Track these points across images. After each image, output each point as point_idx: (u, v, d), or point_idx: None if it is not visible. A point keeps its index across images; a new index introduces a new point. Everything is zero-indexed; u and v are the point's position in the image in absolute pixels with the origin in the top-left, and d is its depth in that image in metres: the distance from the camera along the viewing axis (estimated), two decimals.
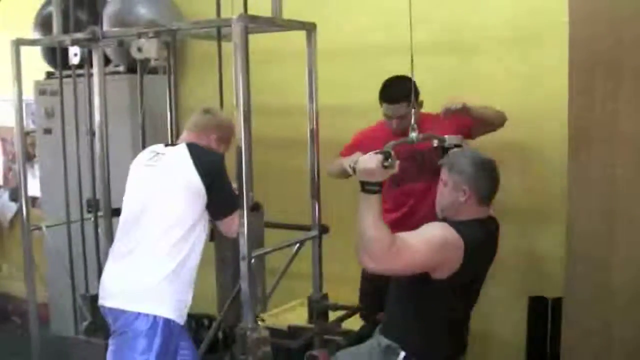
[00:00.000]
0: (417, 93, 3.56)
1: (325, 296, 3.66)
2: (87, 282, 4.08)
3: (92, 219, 4.06)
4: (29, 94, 5.53)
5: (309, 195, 3.61)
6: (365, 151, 3.64)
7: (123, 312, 3.16)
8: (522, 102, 3.98)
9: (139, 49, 3.46)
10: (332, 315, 3.67)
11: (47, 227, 4.31)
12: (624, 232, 3.08)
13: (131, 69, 4.70)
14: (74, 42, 3.85)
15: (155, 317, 3.12)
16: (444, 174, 3.09)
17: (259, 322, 3.30)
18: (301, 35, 3.50)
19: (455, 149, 3.25)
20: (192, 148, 3.23)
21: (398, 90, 3.72)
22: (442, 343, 3.05)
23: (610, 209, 3.11)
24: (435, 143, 3.30)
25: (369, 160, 2.76)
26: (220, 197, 3.21)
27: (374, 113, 3.97)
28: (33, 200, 5.05)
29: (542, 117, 3.89)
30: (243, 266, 3.10)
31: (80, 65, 3.96)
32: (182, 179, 3.17)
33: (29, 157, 5.52)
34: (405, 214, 3.78)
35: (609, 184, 3.10)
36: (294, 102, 3.75)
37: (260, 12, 3.32)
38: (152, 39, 3.43)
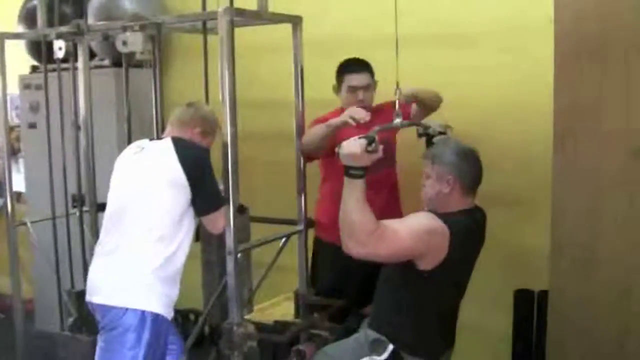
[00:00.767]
0: (372, 73, 3.75)
1: (311, 290, 3.66)
2: (72, 277, 4.06)
3: (78, 214, 4.04)
4: (13, 88, 5.52)
5: (295, 189, 3.60)
6: None
7: (111, 307, 3.14)
8: (507, 95, 3.98)
9: (124, 43, 3.45)
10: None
11: (32, 222, 4.29)
12: (609, 227, 3.09)
13: (116, 62, 4.68)
14: (59, 36, 3.84)
15: (143, 312, 3.11)
16: (427, 167, 3.09)
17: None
18: (287, 28, 3.49)
19: (440, 137, 3.27)
20: (177, 142, 3.21)
21: (361, 61, 3.79)
22: (431, 335, 3.05)
23: (595, 203, 3.12)
24: (420, 131, 3.30)
25: (353, 145, 2.76)
26: (204, 193, 3.19)
27: None
28: (18, 196, 5.01)
29: (527, 110, 3.89)
30: (229, 261, 3.10)
31: (65, 59, 3.93)
32: (165, 173, 3.15)
33: (13, 152, 5.50)
34: None
35: (594, 178, 3.11)
36: (280, 95, 3.75)
37: (246, 6, 3.30)
38: (137, 32, 3.43)
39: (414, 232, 2.85)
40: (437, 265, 2.89)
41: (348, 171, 2.78)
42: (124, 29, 3.46)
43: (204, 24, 3.55)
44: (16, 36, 4.43)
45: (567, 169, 3.16)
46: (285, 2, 3.51)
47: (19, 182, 5.29)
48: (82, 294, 3.81)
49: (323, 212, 3.84)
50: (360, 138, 2.77)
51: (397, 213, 3.64)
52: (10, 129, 5.32)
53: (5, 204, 4.18)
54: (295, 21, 3.48)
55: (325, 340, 3.36)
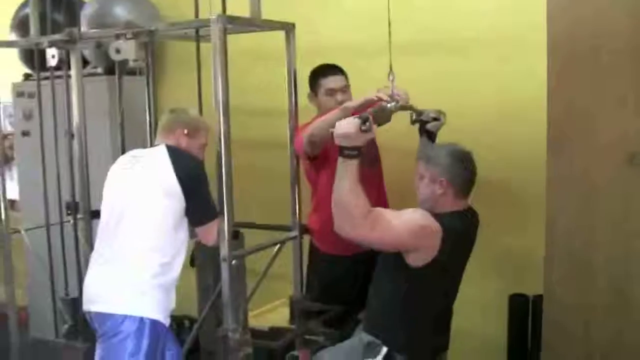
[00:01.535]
0: (346, 76, 3.75)
1: (306, 296, 3.67)
2: (67, 285, 4.06)
3: (72, 221, 4.03)
4: (6, 96, 5.52)
5: (290, 195, 3.61)
6: None
7: (110, 315, 3.13)
8: (501, 102, 3.99)
9: (117, 51, 3.44)
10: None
11: (26, 230, 4.28)
12: (604, 232, 3.10)
13: (109, 70, 4.67)
14: (52, 44, 3.83)
15: (142, 318, 3.11)
16: (421, 167, 3.10)
17: None
18: (280, 35, 3.50)
19: (434, 123, 3.33)
20: (172, 151, 3.20)
21: (333, 65, 3.79)
22: (424, 337, 3.06)
23: (589, 208, 3.13)
24: (414, 117, 3.30)
25: (348, 125, 2.77)
26: (198, 203, 3.19)
27: None
28: (12, 203, 5.01)
29: (521, 116, 3.90)
30: (224, 268, 3.10)
31: (58, 67, 3.93)
32: (160, 182, 3.14)
33: (7, 160, 5.49)
34: None
35: (588, 184, 3.12)
36: (274, 102, 3.75)
37: (239, 13, 3.31)
38: (130, 40, 3.42)
39: (407, 224, 2.87)
40: (428, 263, 2.89)
41: (342, 151, 2.79)
42: (117, 36, 3.45)
43: (197, 31, 3.56)
44: (9, 44, 4.43)
45: (561, 174, 3.17)
46: (278, 9, 3.52)
47: (12, 190, 5.29)
48: (76, 301, 3.82)
49: (320, 223, 3.83)
50: (354, 118, 2.79)
51: None
52: (4, 136, 5.32)
53: None
54: (288, 28, 3.49)
55: (320, 346, 3.36)
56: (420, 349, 3.05)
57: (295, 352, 3.28)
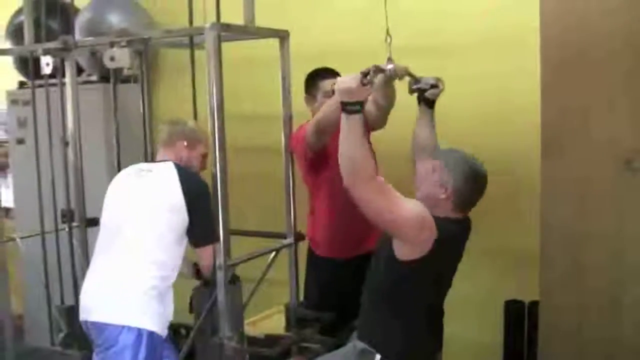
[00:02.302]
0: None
1: (302, 304, 3.67)
2: (62, 293, 4.04)
3: (67, 229, 4.03)
4: (1, 104, 5.51)
5: (284, 202, 3.61)
6: None
7: (107, 325, 3.13)
8: (495, 105, 4.00)
9: (112, 58, 3.45)
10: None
11: (21, 238, 4.27)
12: (598, 235, 3.11)
13: (104, 78, 4.67)
14: (46, 52, 3.83)
15: (139, 329, 3.11)
16: (436, 162, 3.06)
17: None
18: (275, 42, 3.50)
19: (432, 90, 3.31)
20: (181, 170, 3.23)
21: (329, 68, 3.77)
22: (417, 342, 3.05)
23: (584, 211, 3.13)
24: (412, 86, 3.30)
25: (348, 79, 2.76)
26: (200, 224, 3.20)
27: None
28: (7, 211, 5.00)
29: (515, 119, 3.91)
30: (219, 276, 3.10)
31: (52, 75, 3.93)
32: (166, 199, 3.17)
33: (1, 168, 5.48)
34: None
35: (583, 186, 3.13)
36: (268, 109, 3.76)
37: (233, 20, 3.31)
38: (124, 48, 3.42)
39: (409, 208, 2.85)
40: (417, 259, 2.87)
41: (345, 107, 2.77)
42: (112, 44, 3.46)
43: (191, 39, 3.56)
44: (3, 52, 4.42)
45: (555, 177, 3.18)
46: (272, 16, 3.53)
47: (7, 198, 5.28)
48: (72, 309, 3.82)
49: (318, 227, 3.83)
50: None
51: None
52: None
53: None
54: (282, 35, 3.50)
55: (316, 354, 3.36)
56: (413, 354, 3.05)
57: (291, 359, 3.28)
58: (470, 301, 3.43)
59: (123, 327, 3.10)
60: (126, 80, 3.89)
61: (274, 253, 3.63)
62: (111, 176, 3.51)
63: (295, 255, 3.65)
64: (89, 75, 5.08)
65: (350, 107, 2.76)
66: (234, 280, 3.27)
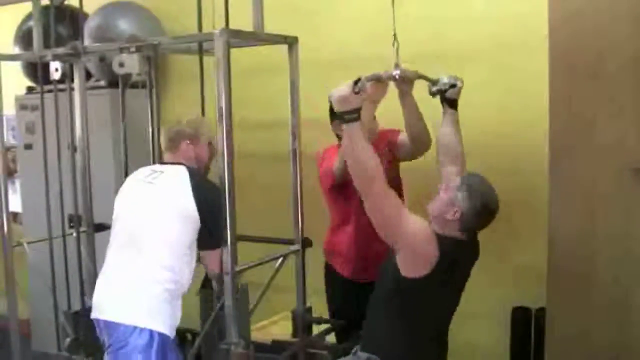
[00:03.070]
0: None
1: (309, 310, 3.66)
2: (69, 298, 4.05)
3: (75, 234, 4.03)
4: (9, 109, 5.52)
5: (292, 208, 3.61)
6: None
7: (119, 325, 3.15)
8: (503, 112, 4.00)
9: (121, 64, 3.45)
10: (316, 329, 3.66)
11: (29, 243, 4.28)
12: (607, 243, 3.11)
13: (113, 83, 4.68)
14: (55, 57, 3.83)
15: (151, 331, 3.13)
16: (453, 185, 3.09)
17: None
18: (283, 48, 3.51)
19: (452, 90, 3.35)
20: (194, 176, 3.25)
21: None
22: (422, 354, 3.06)
23: (592, 219, 3.13)
24: (432, 89, 3.35)
25: (341, 89, 2.86)
26: (210, 229, 3.21)
27: None
28: (14, 216, 5.01)
29: (523, 127, 3.91)
30: (226, 282, 3.10)
31: (61, 80, 3.94)
32: (178, 204, 3.19)
33: (10, 173, 5.49)
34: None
35: (591, 194, 3.12)
36: (277, 115, 3.75)
37: (242, 26, 3.32)
38: (133, 53, 3.43)
39: (414, 220, 2.95)
40: (422, 277, 2.91)
41: (343, 117, 2.87)
42: (121, 50, 3.46)
43: (200, 45, 3.57)
44: (12, 58, 4.44)
45: (563, 185, 3.18)
46: (281, 22, 3.53)
47: (15, 203, 5.29)
48: (78, 314, 3.82)
49: (341, 244, 3.89)
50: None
51: None
52: (6, 149, 5.33)
53: (1, 225, 4.16)
54: (291, 41, 3.49)
55: None
56: None
57: None
58: (477, 308, 3.42)
59: (135, 327, 3.12)
60: (134, 86, 3.89)
61: (281, 259, 3.63)
62: (119, 182, 3.52)
63: (303, 261, 3.64)
64: (98, 80, 5.10)
65: (348, 115, 2.85)
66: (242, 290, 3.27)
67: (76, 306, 3.92)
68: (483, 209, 3.04)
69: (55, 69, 3.87)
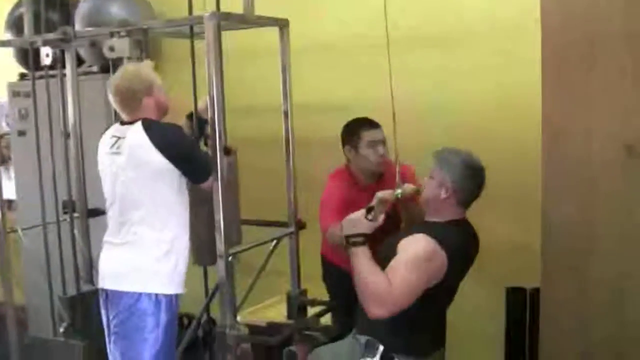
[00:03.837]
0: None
1: (303, 292, 3.67)
2: (64, 283, 4.05)
3: (68, 220, 4.03)
4: (2, 96, 5.51)
5: (285, 191, 3.61)
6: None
7: (125, 293, 3.23)
8: (497, 94, 4.00)
9: (111, 48, 3.45)
10: (311, 311, 3.67)
11: (23, 229, 4.28)
12: (600, 224, 3.10)
13: (105, 68, 4.66)
14: (46, 43, 3.82)
15: (157, 295, 3.21)
16: (433, 169, 3.11)
17: (238, 319, 3.33)
18: (274, 32, 3.50)
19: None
20: (148, 127, 3.22)
21: (371, 120, 3.78)
22: (422, 339, 3.07)
23: (586, 200, 3.13)
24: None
25: (352, 214, 2.85)
26: (192, 167, 3.25)
27: (349, 109, 3.99)
28: (9, 203, 5.00)
29: (518, 109, 3.91)
30: (220, 264, 3.11)
31: (52, 66, 3.92)
32: (148, 162, 3.19)
33: (3, 160, 5.48)
34: None
35: (584, 174, 3.12)
36: (269, 99, 3.75)
37: (233, 9, 3.31)
38: (124, 38, 3.42)
39: (415, 265, 2.86)
40: (435, 285, 2.91)
41: (350, 240, 2.83)
42: (111, 34, 3.46)
43: (191, 28, 3.55)
44: (3, 44, 4.41)
45: (557, 165, 3.17)
46: (272, 6, 3.52)
47: (9, 190, 5.28)
48: (74, 299, 3.83)
49: None
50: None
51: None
52: (0, 136, 5.32)
53: None
54: (282, 24, 3.49)
55: (317, 342, 3.36)
56: (418, 349, 3.07)
57: (293, 347, 3.28)
58: (471, 289, 3.42)
59: (140, 293, 3.21)
60: None
61: (275, 241, 3.64)
62: None
63: (297, 243, 3.64)
64: (90, 66, 5.08)
65: (355, 239, 2.82)
66: (228, 152, 3.27)
67: (71, 291, 3.93)
68: (469, 169, 3.08)
69: (46, 55, 3.86)
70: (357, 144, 3.80)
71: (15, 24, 5.00)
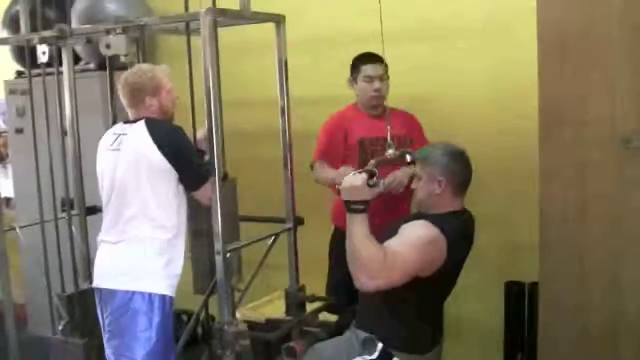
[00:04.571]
0: (387, 67, 3.81)
1: (302, 288, 3.67)
2: (63, 281, 4.04)
3: (67, 218, 4.03)
4: (0, 94, 5.51)
5: (284, 187, 3.61)
6: (342, 136, 3.69)
7: (118, 291, 3.25)
8: (493, 89, 4.00)
9: (108, 46, 3.45)
10: (310, 307, 3.67)
11: (21, 227, 4.28)
12: (598, 217, 3.10)
13: (102, 66, 4.66)
14: (43, 41, 3.81)
15: (150, 294, 3.22)
16: (418, 167, 3.10)
17: (237, 315, 3.33)
18: (270, 27, 3.50)
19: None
20: (151, 125, 3.25)
21: (375, 54, 3.81)
22: (421, 333, 3.07)
23: (583, 194, 3.12)
24: (409, 159, 3.28)
25: (354, 180, 2.75)
26: (189, 171, 3.27)
27: (346, 102, 3.99)
28: (7, 201, 5.00)
29: (514, 102, 3.91)
30: (218, 260, 3.11)
31: (49, 64, 3.92)
32: (147, 161, 3.21)
33: (1, 158, 5.48)
34: None
35: (581, 168, 3.12)
36: (266, 94, 3.74)
37: (229, 6, 3.30)
38: (120, 35, 3.42)
39: (416, 247, 2.84)
40: (434, 272, 2.90)
41: (350, 207, 2.75)
42: (107, 32, 3.46)
43: (187, 25, 3.55)
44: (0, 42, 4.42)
45: (554, 157, 3.16)
46: (269, 2, 3.51)
47: (8, 188, 5.29)
48: (73, 297, 3.83)
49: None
50: (361, 172, 2.77)
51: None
52: None
53: None
54: (278, 20, 3.48)
55: (316, 338, 3.36)
56: (416, 345, 3.06)
57: (292, 344, 3.28)
58: (471, 283, 3.42)
59: (134, 292, 3.22)
60: (123, 68, 3.87)
61: (273, 237, 3.64)
62: None
63: (295, 239, 3.64)
64: (87, 63, 5.07)
65: (356, 206, 2.74)
66: (226, 178, 3.29)
67: (70, 289, 3.92)
68: (452, 155, 3.08)
69: (43, 53, 3.85)
70: (357, 77, 3.97)
71: (12, 22, 4.99)
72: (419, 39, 4.20)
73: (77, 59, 4.57)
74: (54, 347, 3.92)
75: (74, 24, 4.57)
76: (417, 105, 4.06)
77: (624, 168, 3.03)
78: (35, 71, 4.03)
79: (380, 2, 3.01)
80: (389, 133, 3.04)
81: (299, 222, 3.67)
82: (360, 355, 3.00)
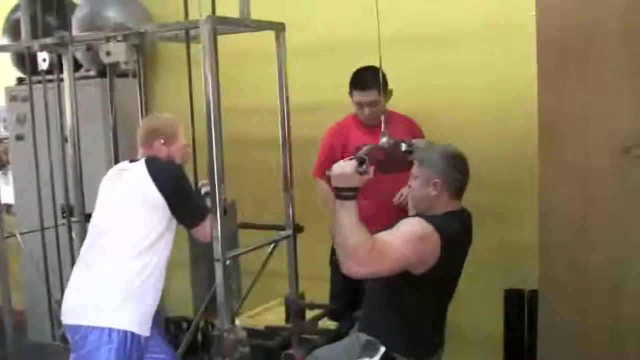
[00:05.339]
0: (385, 82, 3.70)
1: (301, 295, 3.67)
2: (62, 287, 4.05)
3: (66, 224, 4.03)
4: (0, 101, 5.52)
5: (283, 194, 3.61)
6: (340, 146, 3.70)
7: (78, 326, 3.14)
8: (492, 94, 4.00)
9: (108, 53, 3.46)
10: (309, 314, 3.68)
11: (21, 233, 4.28)
12: (598, 224, 3.10)
13: (102, 73, 4.67)
14: (43, 48, 3.82)
15: (110, 330, 3.09)
16: (415, 168, 3.10)
17: (237, 323, 3.32)
18: (270, 35, 3.50)
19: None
20: (150, 162, 3.24)
21: (368, 77, 3.82)
22: (422, 337, 3.06)
23: (583, 200, 3.12)
24: (404, 147, 3.28)
25: (344, 166, 2.75)
26: (185, 207, 3.23)
27: (345, 109, 4.00)
28: (8, 208, 5.01)
29: (513, 109, 3.91)
30: (218, 268, 3.10)
31: (50, 71, 3.93)
32: (140, 194, 3.17)
33: (2, 164, 5.49)
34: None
35: (581, 174, 3.12)
36: (265, 102, 3.75)
37: (229, 13, 3.31)
38: (120, 42, 3.43)
39: (408, 240, 2.84)
40: (429, 269, 2.89)
41: (339, 193, 2.75)
42: (108, 39, 3.46)
43: (187, 32, 3.56)
44: (0, 48, 4.42)
45: (553, 165, 3.17)
46: (268, 9, 3.52)
47: (8, 194, 5.29)
48: None
49: None
50: (351, 159, 2.77)
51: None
52: None
53: None
54: (278, 28, 3.49)
55: (315, 345, 3.36)
56: (417, 349, 3.05)
57: (290, 351, 3.28)
58: (470, 290, 3.42)
59: (92, 328, 3.10)
60: (124, 75, 3.89)
61: (272, 245, 3.64)
62: None
63: (295, 247, 3.64)
64: (87, 70, 5.08)
65: (346, 193, 2.74)
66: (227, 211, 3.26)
67: None
68: (449, 158, 3.06)
69: (43, 60, 3.86)
70: (351, 96, 3.97)
71: (12, 29, 4.99)
72: (416, 45, 4.21)
73: (77, 66, 4.57)
74: (53, 353, 3.93)
75: (74, 31, 4.58)
76: (414, 112, 4.07)
77: (625, 174, 3.02)
78: (36, 78, 4.05)
79: (377, 10, 3.01)
80: (382, 124, 3.03)
81: (298, 229, 3.67)
82: (360, 357, 2.99)
